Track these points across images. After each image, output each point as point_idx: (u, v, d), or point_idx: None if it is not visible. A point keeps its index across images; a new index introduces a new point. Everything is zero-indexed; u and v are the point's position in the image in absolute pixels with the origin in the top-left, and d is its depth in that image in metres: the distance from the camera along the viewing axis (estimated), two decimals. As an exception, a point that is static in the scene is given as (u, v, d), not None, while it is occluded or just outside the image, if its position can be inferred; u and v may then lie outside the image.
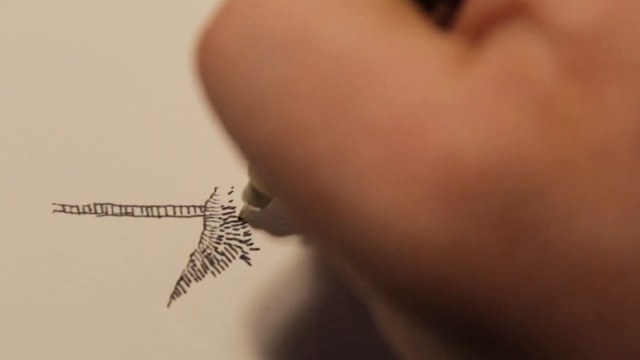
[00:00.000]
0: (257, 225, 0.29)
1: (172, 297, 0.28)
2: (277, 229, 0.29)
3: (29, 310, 0.28)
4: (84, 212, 0.29)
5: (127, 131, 0.30)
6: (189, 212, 0.29)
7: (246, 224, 0.29)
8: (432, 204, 0.13)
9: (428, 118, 0.13)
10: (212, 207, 0.29)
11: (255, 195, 0.28)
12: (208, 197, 0.29)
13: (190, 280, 0.28)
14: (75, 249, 0.29)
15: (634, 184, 0.13)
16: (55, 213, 0.29)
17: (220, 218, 0.29)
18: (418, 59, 0.14)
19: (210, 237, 0.29)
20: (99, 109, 0.31)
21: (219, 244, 0.29)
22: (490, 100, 0.13)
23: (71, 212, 0.29)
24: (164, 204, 0.29)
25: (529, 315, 0.13)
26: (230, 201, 0.29)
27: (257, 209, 0.28)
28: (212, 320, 0.28)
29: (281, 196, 0.15)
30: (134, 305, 0.28)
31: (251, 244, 0.29)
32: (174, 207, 0.29)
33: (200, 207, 0.29)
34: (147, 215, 0.29)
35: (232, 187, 0.29)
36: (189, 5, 0.32)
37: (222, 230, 0.29)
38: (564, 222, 0.13)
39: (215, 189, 0.30)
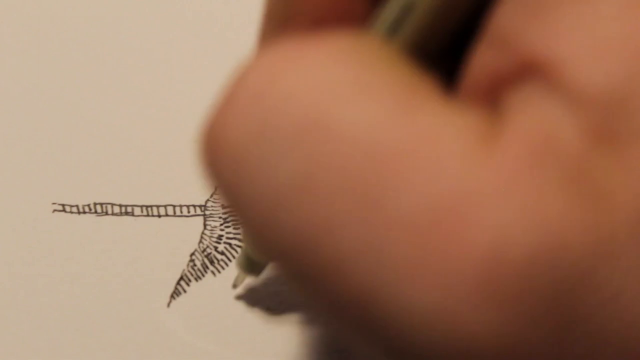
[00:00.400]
0: (253, 303, 0.28)
1: (172, 297, 0.28)
2: (273, 307, 0.28)
3: (29, 310, 0.28)
4: (84, 212, 0.29)
5: (127, 131, 0.30)
6: (189, 212, 0.29)
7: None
8: (479, 302, 0.12)
9: (464, 210, 0.13)
10: (212, 206, 0.29)
11: (249, 263, 0.27)
12: (208, 196, 0.29)
13: (190, 280, 0.28)
14: (75, 249, 0.29)
15: None
16: (55, 213, 0.29)
17: (220, 217, 0.29)
18: (443, 144, 0.13)
19: (210, 237, 0.29)
20: (99, 109, 0.31)
21: (219, 243, 0.29)
22: (524, 182, 0.13)
23: (71, 212, 0.29)
24: (164, 203, 0.29)
25: None
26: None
27: (252, 277, 0.27)
28: (212, 320, 0.28)
29: (310, 295, 0.14)
30: (134, 305, 0.28)
31: (251, 243, 0.29)
32: (174, 206, 0.29)
33: (200, 206, 0.29)
34: (147, 215, 0.29)
35: (232, 187, 0.29)
36: (190, 5, 0.32)
37: (222, 230, 0.29)
38: (612, 303, 0.12)
39: (216, 188, 0.29)
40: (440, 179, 0.13)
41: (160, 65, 0.31)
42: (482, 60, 0.14)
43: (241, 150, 0.14)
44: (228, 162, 0.14)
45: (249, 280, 0.28)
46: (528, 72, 0.13)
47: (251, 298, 0.28)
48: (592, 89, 0.13)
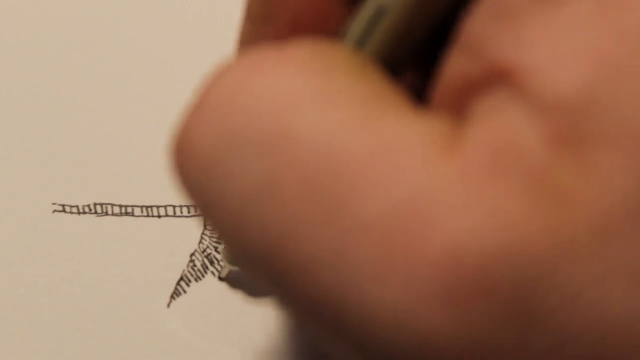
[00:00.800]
0: (234, 285, 0.28)
1: (172, 297, 0.28)
2: (253, 290, 0.28)
3: (29, 310, 0.28)
4: (84, 212, 0.29)
5: (127, 131, 0.30)
6: (189, 212, 0.29)
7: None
8: (440, 302, 0.13)
9: (424, 214, 0.13)
10: (212, 206, 0.29)
11: (233, 254, 0.27)
12: (208, 196, 0.29)
13: (190, 280, 0.28)
14: (75, 249, 0.29)
15: (638, 255, 0.12)
16: (55, 213, 0.29)
17: (220, 218, 0.29)
18: (405, 149, 0.13)
19: (210, 237, 0.29)
20: (99, 109, 0.31)
21: (219, 243, 0.29)
22: (484, 187, 0.13)
23: (71, 212, 0.29)
24: (164, 203, 0.29)
25: None
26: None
27: (236, 268, 0.28)
28: (212, 320, 0.28)
29: (279, 297, 0.15)
30: (134, 305, 0.28)
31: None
32: (174, 207, 0.29)
33: (200, 206, 0.29)
34: (147, 215, 0.29)
35: (232, 187, 0.29)
36: (190, 5, 0.32)
37: (222, 230, 0.29)
38: (573, 302, 0.13)
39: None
40: (401, 184, 0.13)
41: (160, 65, 0.31)
42: (452, 67, 0.14)
43: (208, 157, 0.14)
44: (196, 169, 0.15)
45: (234, 270, 0.28)
46: (495, 79, 0.13)
47: (233, 281, 0.29)
48: (556, 96, 0.13)
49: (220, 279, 0.28)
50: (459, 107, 0.14)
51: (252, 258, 0.14)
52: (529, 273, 0.13)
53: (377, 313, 0.13)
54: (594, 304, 0.13)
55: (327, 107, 0.14)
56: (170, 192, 0.29)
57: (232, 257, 0.27)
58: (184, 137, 0.15)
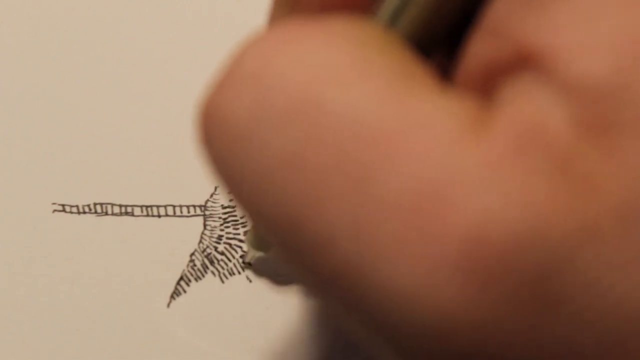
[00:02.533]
0: (259, 273, 0.29)
1: (172, 297, 0.28)
2: (279, 279, 0.28)
3: (29, 310, 0.28)
4: (84, 212, 0.29)
5: (127, 131, 0.30)
6: (189, 212, 0.29)
7: (247, 225, 0.29)
8: (460, 281, 0.13)
9: (449, 192, 0.13)
10: (212, 206, 0.29)
11: (258, 239, 0.27)
12: (208, 196, 0.29)
13: (190, 280, 0.28)
14: (75, 249, 0.29)
15: None
16: (55, 213, 0.29)
17: (220, 217, 0.29)
18: (433, 127, 0.13)
19: (210, 237, 0.29)
20: (99, 109, 0.31)
21: (219, 243, 0.29)
22: (510, 169, 0.13)
23: (71, 212, 0.29)
24: (164, 203, 0.29)
25: None
26: (231, 200, 0.29)
27: (261, 253, 0.28)
28: (212, 320, 0.28)
29: (298, 269, 0.15)
30: (134, 305, 0.28)
31: (251, 243, 0.29)
32: (174, 206, 0.29)
33: (200, 206, 0.29)
34: (147, 215, 0.29)
35: (232, 187, 0.29)
36: (190, 4, 0.32)
37: (222, 230, 0.29)
38: (593, 288, 0.13)
39: (216, 188, 0.29)
40: (427, 161, 0.13)
41: (160, 65, 0.31)
42: (478, 50, 0.14)
43: (237, 125, 0.14)
44: (223, 136, 0.15)
45: (259, 256, 0.28)
46: (523, 63, 0.13)
47: (259, 268, 0.29)
48: (585, 80, 0.13)
49: (244, 264, 0.29)
50: (485, 90, 0.14)
51: (274, 229, 0.14)
52: (551, 255, 0.13)
53: (396, 288, 0.13)
54: (615, 290, 0.13)
55: (358, 81, 0.14)
56: (170, 192, 0.29)
57: (257, 241, 0.27)
58: (213, 104, 0.15)
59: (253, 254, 0.28)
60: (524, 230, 0.13)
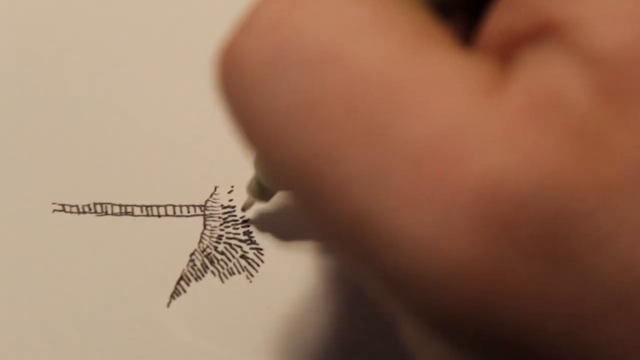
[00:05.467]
0: (263, 228, 0.29)
1: (172, 297, 0.28)
2: (283, 233, 0.29)
3: (29, 310, 0.28)
4: (84, 212, 0.29)
5: (127, 131, 0.30)
6: (189, 212, 0.29)
7: (248, 224, 0.29)
8: (473, 230, 0.13)
9: (465, 144, 0.13)
10: (212, 206, 0.29)
11: (260, 189, 0.27)
12: (208, 196, 0.29)
13: (190, 280, 0.28)
14: (75, 249, 0.29)
15: None
16: (55, 213, 0.29)
17: (220, 217, 0.29)
18: (452, 81, 0.14)
19: (210, 237, 0.29)
20: (99, 109, 0.31)
21: (219, 243, 0.29)
22: (526, 126, 0.13)
23: (71, 212, 0.29)
24: (164, 203, 0.29)
25: (567, 340, 0.13)
26: (230, 200, 0.29)
27: (262, 202, 0.28)
28: (212, 320, 0.28)
29: (313, 217, 0.15)
30: (134, 305, 0.28)
31: (251, 243, 0.29)
32: (174, 206, 0.29)
33: (200, 206, 0.29)
34: (147, 215, 0.29)
35: (232, 187, 0.29)
36: (190, 4, 0.32)
37: (222, 230, 0.29)
38: (604, 247, 0.13)
39: (215, 188, 0.30)
40: (444, 113, 0.13)
41: (160, 66, 0.31)
42: (499, 19, 0.15)
43: (254, 72, 0.15)
44: (241, 83, 0.15)
45: (258, 206, 0.29)
46: (543, 33, 0.14)
47: (262, 223, 0.29)
48: (604, 50, 0.13)
49: (243, 210, 0.29)
50: (504, 57, 0.14)
51: (288, 176, 0.15)
52: (563, 210, 0.13)
53: (408, 237, 0.13)
54: (627, 251, 0.13)
55: (378, 34, 0.14)
56: (170, 192, 0.29)
57: (259, 190, 0.27)
58: (233, 49, 0.15)
59: (252, 202, 0.28)
60: (537, 185, 0.13)
